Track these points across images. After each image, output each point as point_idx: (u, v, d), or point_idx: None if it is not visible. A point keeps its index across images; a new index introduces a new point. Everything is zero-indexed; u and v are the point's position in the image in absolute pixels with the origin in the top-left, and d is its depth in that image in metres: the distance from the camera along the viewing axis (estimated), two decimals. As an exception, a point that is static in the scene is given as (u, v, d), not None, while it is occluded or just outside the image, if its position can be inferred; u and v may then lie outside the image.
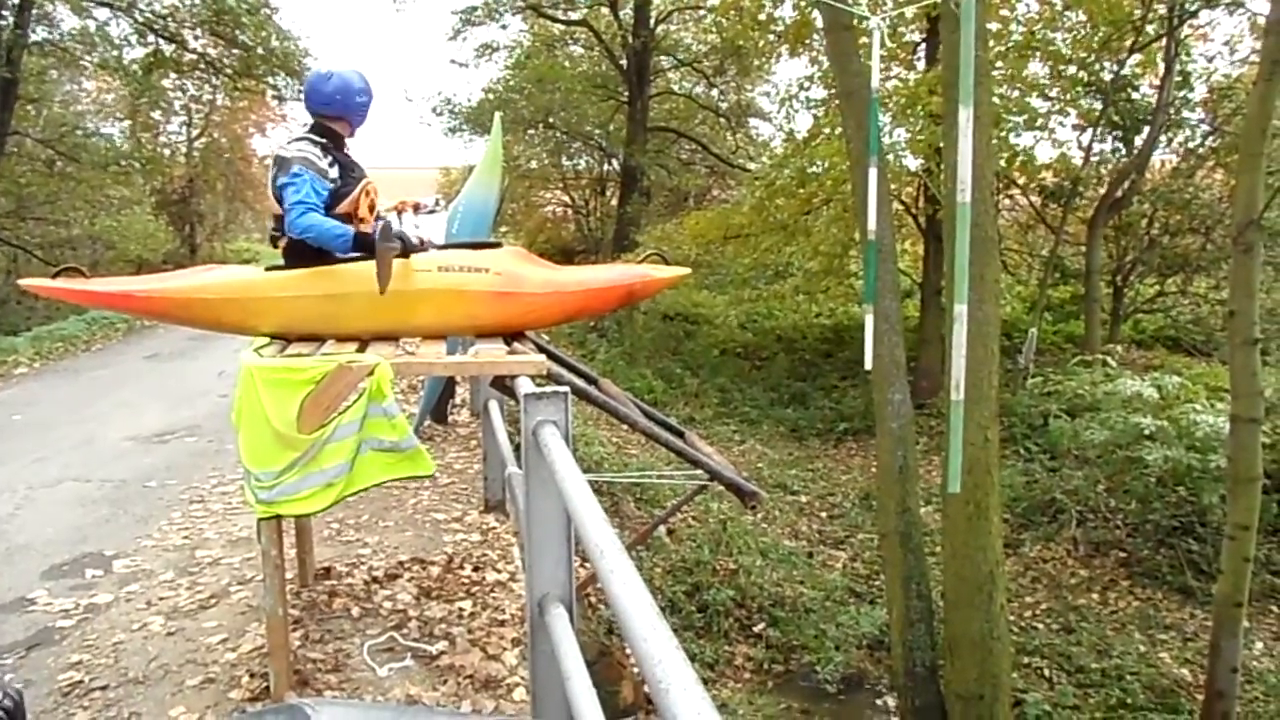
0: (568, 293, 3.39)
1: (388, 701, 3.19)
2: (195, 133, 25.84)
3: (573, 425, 2.33)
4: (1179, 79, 14.00)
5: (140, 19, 16.11)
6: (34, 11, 14.44)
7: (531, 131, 21.80)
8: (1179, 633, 8.53)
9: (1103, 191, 14.83)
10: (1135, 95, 14.64)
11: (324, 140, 3.26)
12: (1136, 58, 13.85)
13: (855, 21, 7.37)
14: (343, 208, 3.23)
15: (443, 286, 3.15)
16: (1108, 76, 13.99)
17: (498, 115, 6.91)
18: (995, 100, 11.24)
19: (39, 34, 15.24)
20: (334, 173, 3.21)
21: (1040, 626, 8.69)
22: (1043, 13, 13.42)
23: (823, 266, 15.44)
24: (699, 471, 4.08)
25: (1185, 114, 14.74)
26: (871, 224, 4.77)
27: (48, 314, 14.42)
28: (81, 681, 3.32)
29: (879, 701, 7.97)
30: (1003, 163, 12.64)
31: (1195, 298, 16.03)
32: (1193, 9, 13.19)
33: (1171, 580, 9.21)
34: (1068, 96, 13.95)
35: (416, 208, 3.91)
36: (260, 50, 16.86)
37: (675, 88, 23.58)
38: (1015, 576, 9.29)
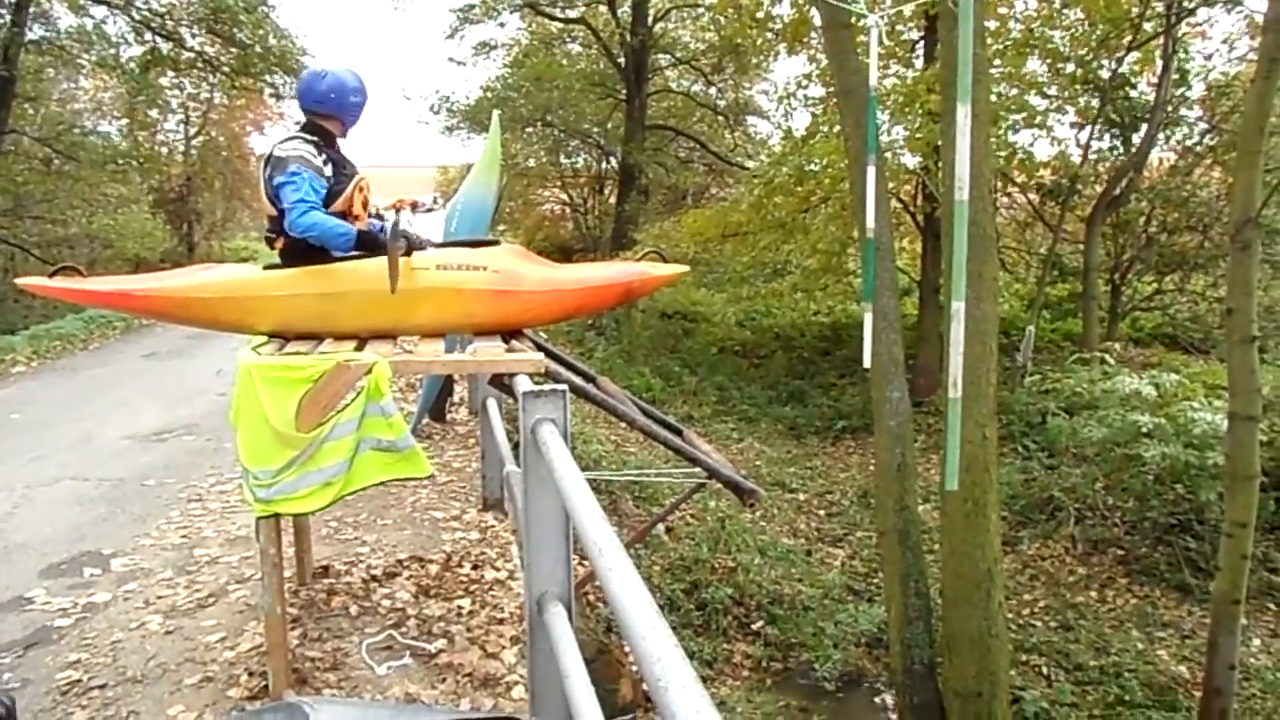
0: (566, 291, 3.39)
1: (386, 700, 3.19)
2: (193, 131, 25.80)
3: (571, 423, 2.32)
4: (1177, 77, 14.02)
5: (137, 17, 16.08)
6: (31, 9, 14.41)
7: (529, 130, 21.78)
8: (1177, 630, 8.55)
9: (1101, 189, 14.85)
10: (1133, 93, 14.66)
11: (316, 138, 3.25)
12: (1134, 55, 13.85)
13: (853, 19, 7.37)
14: (337, 205, 3.22)
15: (441, 285, 3.15)
16: (1106, 74, 14.00)
17: (496, 113, 6.90)
18: (993, 98, 11.24)
19: (36, 32, 15.21)
20: (328, 170, 3.20)
21: (1038, 624, 8.70)
22: (1041, 10, 13.42)
23: (821, 264, 15.45)
24: (697, 469, 4.08)
25: (1183, 112, 14.77)
26: (870, 222, 4.77)
27: (45, 313, 14.41)
28: (80, 680, 3.32)
29: (877, 699, 7.99)
30: (1001, 160, 12.65)
31: (1193, 295, 16.06)
32: (1191, 7, 13.21)
33: (1169, 578, 9.22)
34: (1066, 94, 13.95)
35: (414, 206, 3.90)
36: (258, 48, 16.82)
37: (673, 86, 23.57)
38: (1013, 574, 9.30)
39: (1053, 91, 13.90)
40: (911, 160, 13.28)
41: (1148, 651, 8.17)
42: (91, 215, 18.75)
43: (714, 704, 1.04)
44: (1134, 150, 14.55)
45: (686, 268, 4.06)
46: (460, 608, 3.96)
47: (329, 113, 3.31)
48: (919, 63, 14.24)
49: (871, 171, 4.97)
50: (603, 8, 20.83)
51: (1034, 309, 15.11)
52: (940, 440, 7.71)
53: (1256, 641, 8.32)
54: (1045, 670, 8.00)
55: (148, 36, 16.72)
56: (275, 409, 2.79)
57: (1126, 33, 13.19)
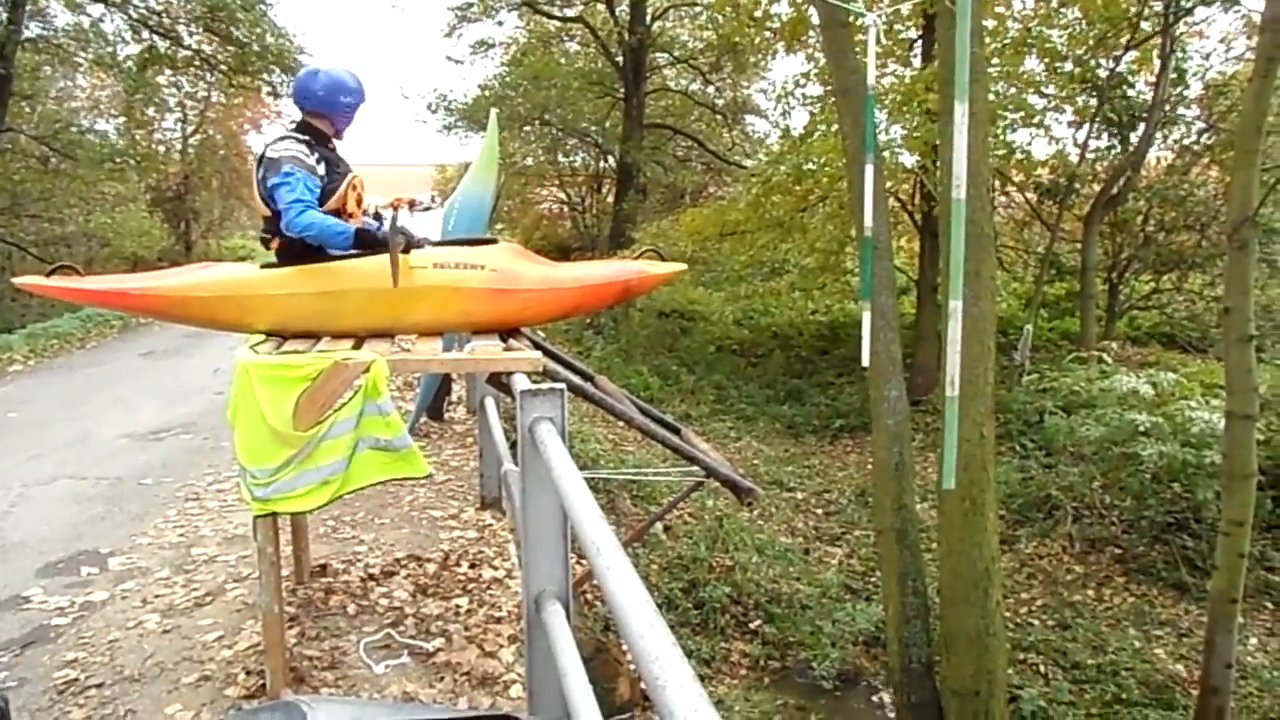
0: (564, 289, 3.38)
1: (384, 699, 3.19)
2: (190, 129, 25.79)
3: (569, 422, 2.32)
4: (1174, 76, 14.04)
5: (135, 15, 16.08)
6: (28, 7, 14.39)
7: (527, 128, 21.75)
8: (1174, 628, 8.56)
9: (1098, 188, 14.87)
10: (1131, 92, 14.68)
11: (308, 137, 3.24)
12: (1132, 54, 13.87)
13: (851, 18, 7.37)
14: (330, 204, 3.22)
15: (438, 283, 3.14)
16: (1103, 73, 14.01)
17: (493, 112, 6.89)
18: (991, 97, 11.25)
19: (33, 30, 15.19)
20: (321, 169, 3.20)
21: (1036, 623, 8.71)
22: (1039, 9, 13.43)
23: (819, 263, 15.45)
24: (695, 468, 4.08)
25: (1181, 111, 14.79)
26: (868, 220, 4.77)
27: (42, 311, 14.39)
28: (77, 679, 3.32)
29: (875, 698, 7.99)
30: (999, 159, 12.66)
31: (1190, 294, 16.08)
32: (1188, 6, 13.22)
33: (1166, 576, 9.24)
34: (1063, 93, 13.97)
35: (412, 204, 3.90)
36: (255, 47, 16.82)
37: (671, 84, 23.56)
38: (1011, 573, 9.31)
39: (1050, 90, 13.92)
40: (909, 159, 13.29)
41: (1145, 650, 8.18)
42: (89, 214, 18.75)
43: (711, 702, 1.04)
44: (1132, 149, 14.57)
45: (684, 266, 4.06)
46: (458, 606, 3.96)
47: (320, 112, 3.30)
48: (917, 62, 14.25)
49: (869, 170, 4.98)
50: (601, 6, 20.82)
51: (1032, 308, 15.13)
52: (938, 439, 7.73)
53: (1253, 640, 8.33)
54: (1043, 669, 8.01)
55: (145, 34, 16.72)
56: (273, 407, 2.79)
57: (1124, 32, 13.20)
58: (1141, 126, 14.25)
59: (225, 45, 17.40)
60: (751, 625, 8.58)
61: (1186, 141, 14.97)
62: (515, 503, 3.57)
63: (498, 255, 3.31)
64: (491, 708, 3.15)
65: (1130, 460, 9.39)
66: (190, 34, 17.52)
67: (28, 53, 15.36)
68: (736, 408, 15.25)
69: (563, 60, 22.12)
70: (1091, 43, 13.30)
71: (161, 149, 24.78)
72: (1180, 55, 14.14)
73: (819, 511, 11.58)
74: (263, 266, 3.26)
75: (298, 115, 3.36)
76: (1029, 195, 16.22)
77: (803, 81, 15.39)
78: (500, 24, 22.13)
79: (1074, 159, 14.90)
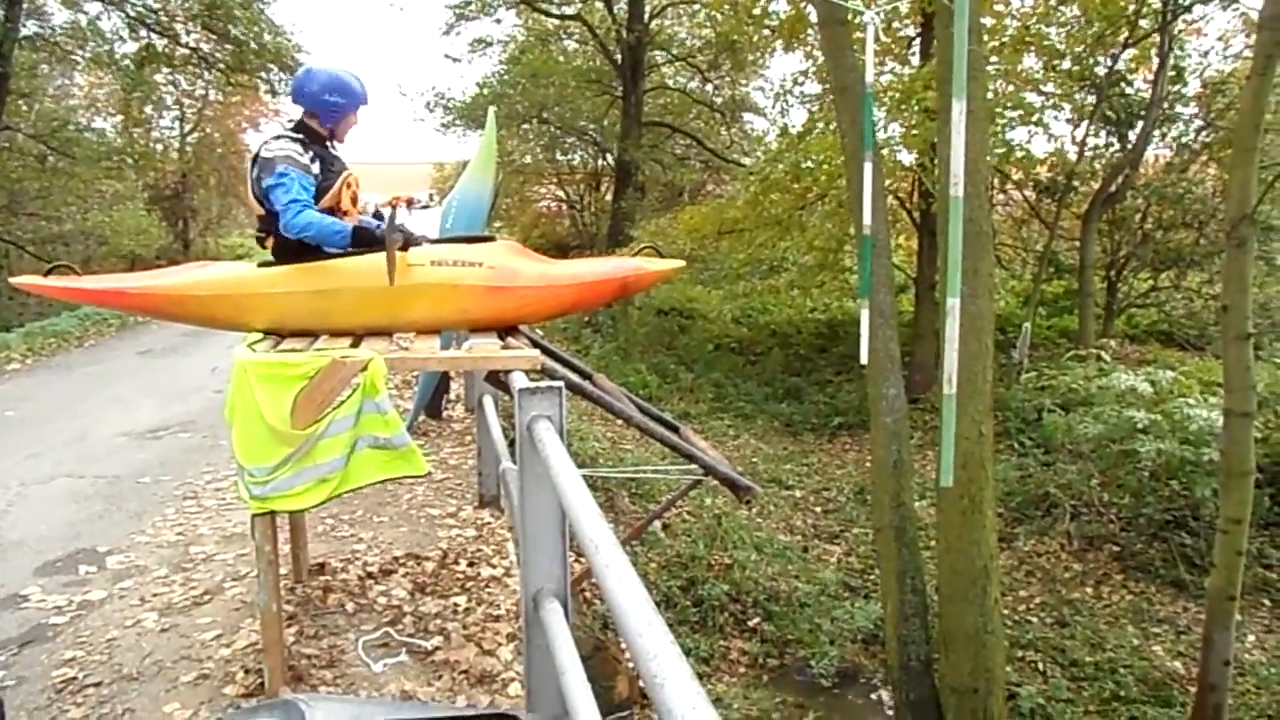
0: (561, 286, 3.38)
1: (382, 697, 3.19)
2: (188, 128, 25.76)
3: (567, 420, 2.32)
4: (1172, 74, 14.04)
5: (132, 13, 16.05)
6: (25, 5, 14.37)
7: (526, 126, 21.71)
8: (1172, 626, 8.57)
9: (1097, 186, 14.87)
10: (1129, 90, 14.68)
11: (302, 136, 3.24)
12: (1130, 52, 13.88)
13: (850, 16, 7.36)
14: (325, 202, 3.22)
15: (436, 281, 3.14)
16: (1102, 71, 14.01)
17: (491, 110, 6.87)
18: (990, 95, 11.24)
19: (30, 28, 15.17)
20: (316, 168, 3.19)
21: (1034, 620, 8.72)
22: (1037, 7, 13.43)
23: (817, 261, 15.46)
24: (694, 466, 4.08)
25: (1179, 109, 14.80)
26: (866, 219, 4.77)
27: (40, 310, 14.37)
28: (75, 678, 3.31)
29: (873, 696, 8.00)
30: (997, 157, 12.65)
31: (1188, 292, 16.10)
32: (1186, 4, 13.22)
33: (1164, 574, 9.25)
34: (1062, 91, 13.97)
35: (410, 203, 3.90)
36: (253, 45, 16.81)
37: (670, 82, 23.53)
38: (1009, 571, 9.32)
39: (1049, 88, 13.92)
40: (908, 157, 13.30)
41: (1143, 647, 8.19)
42: (86, 212, 18.73)
43: (710, 700, 1.04)
44: (1130, 147, 14.58)
45: (682, 262, 4.05)
46: (456, 605, 3.96)
47: (313, 110, 3.30)
48: (915, 60, 14.25)
49: (868, 168, 4.97)
50: (599, 4, 20.78)
51: (1030, 306, 15.14)
52: (936, 437, 7.73)
53: (1251, 637, 8.35)
54: (1041, 666, 8.02)
55: (142, 32, 16.69)
56: (271, 406, 2.78)
57: (1123, 29, 13.21)
58: (1140, 124, 14.25)
59: (223, 43, 17.39)
60: (750, 623, 8.59)
61: (1185, 139, 14.99)
62: (513, 501, 3.57)
63: (495, 253, 3.30)
64: (490, 706, 3.15)
65: (1128, 458, 9.40)
66: (188, 32, 17.51)
67: (25, 50, 15.33)
68: (735, 406, 15.25)
69: (561, 58, 22.08)
70: (1090, 40, 13.30)
71: (159, 147, 24.79)
72: (1178, 53, 14.15)
73: (817, 509, 11.59)
74: (260, 265, 3.26)
75: (296, 114, 3.36)
76: (1027, 193, 16.24)
77: (801, 79, 15.41)
78: (498, 22, 22.13)
79: (1072, 157, 14.91)
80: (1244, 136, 6.48)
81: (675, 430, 4.31)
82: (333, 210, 3.25)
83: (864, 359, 5.51)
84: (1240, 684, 7.57)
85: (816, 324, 18.60)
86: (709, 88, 23.34)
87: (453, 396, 8.01)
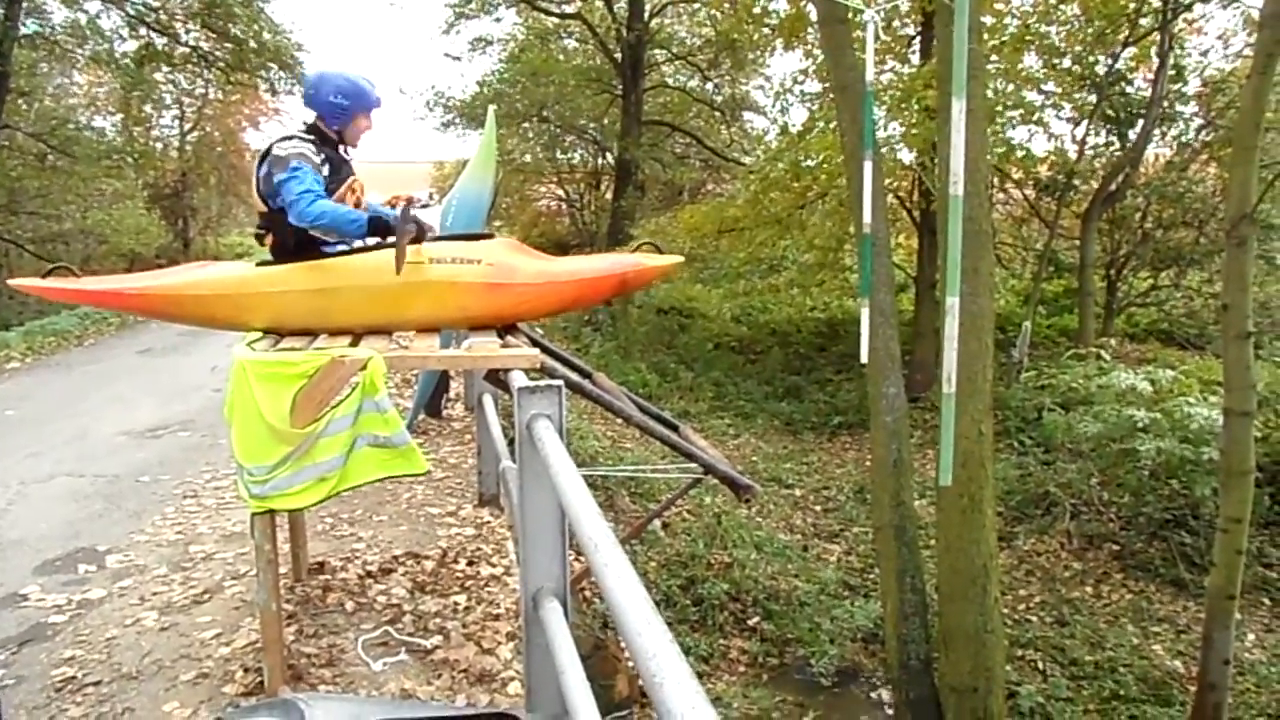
0: (560, 283, 3.38)
1: (382, 696, 3.19)
2: (188, 126, 25.75)
3: (567, 419, 2.32)
4: (1173, 72, 14.04)
5: (131, 11, 16.04)
6: (25, 3, 14.35)
7: (525, 125, 21.70)
8: (1171, 625, 8.58)
9: (1097, 185, 14.87)
10: (1129, 89, 14.68)
11: (314, 138, 3.25)
12: (1131, 51, 13.87)
13: (850, 15, 7.36)
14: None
15: (434, 278, 3.14)
16: (1102, 70, 14.01)
17: (491, 109, 6.86)
18: (990, 94, 11.24)
19: (30, 26, 15.15)
20: (325, 170, 3.20)
21: (1034, 619, 8.72)
22: (1037, 6, 13.43)
23: (817, 260, 15.46)
24: (693, 465, 4.08)
25: (1179, 107, 14.80)
26: (866, 217, 4.77)
27: (40, 309, 14.36)
28: (74, 677, 3.31)
29: (873, 694, 8.00)
30: (997, 156, 12.65)
31: (1188, 291, 16.09)
32: (1187, 2, 13.21)
33: (1164, 573, 9.25)
34: (1062, 90, 13.97)
35: (410, 202, 3.89)
36: (252, 43, 16.81)
37: (669, 81, 23.50)
38: (1009, 570, 9.32)
39: (1049, 87, 13.92)
40: (908, 156, 13.30)
41: (1143, 646, 8.19)
42: (86, 211, 18.72)
43: (709, 700, 1.04)
44: (1130, 146, 14.57)
45: (680, 258, 4.05)
46: (456, 604, 3.96)
47: (320, 112, 3.31)
48: (915, 58, 14.24)
49: (868, 167, 4.97)
50: (599, 3, 20.77)
51: (1030, 305, 15.14)
52: (936, 436, 7.71)
53: (1251, 636, 8.35)
54: (1041, 665, 8.02)
55: (142, 31, 16.69)
56: (270, 405, 2.78)
57: (1123, 28, 13.21)
58: (1140, 123, 14.25)
59: (222, 42, 17.38)
60: (750, 622, 8.59)
61: (1185, 138, 14.98)
62: (513, 500, 3.57)
63: (494, 250, 3.30)
64: (489, 705, 3.15)
65: (1128, 457, 9.40)
66: (187, 31, 17.51)
67: (25, 49, 15.32)
68: (735, 405, 15.25)
69: (561, 57, 22.06)
70: (1090, 39, 13.30)
71: (159, 146, 24.78)
72: (1179, 52, 14.15)
73: (817, 508, 11.59)
74: (258, 264, 3.26)
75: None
76: (1027, 192, 16.23)
77: (801, 78, 15.39)
78: (498, 20, 22.10)
79: (1072, 155, 14.91)
80: (1244, 135, 6.48)
81: (675, 429, 4.31)
82: None
83: (864, 358, 5.52)
84: (1240, 683, 7.57)
85: (816, 323, 18.60)
86: (709, 86, 23.31)
87: (452, 395, 8.01)
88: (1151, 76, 14.13)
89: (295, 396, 2.78)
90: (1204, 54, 14.71)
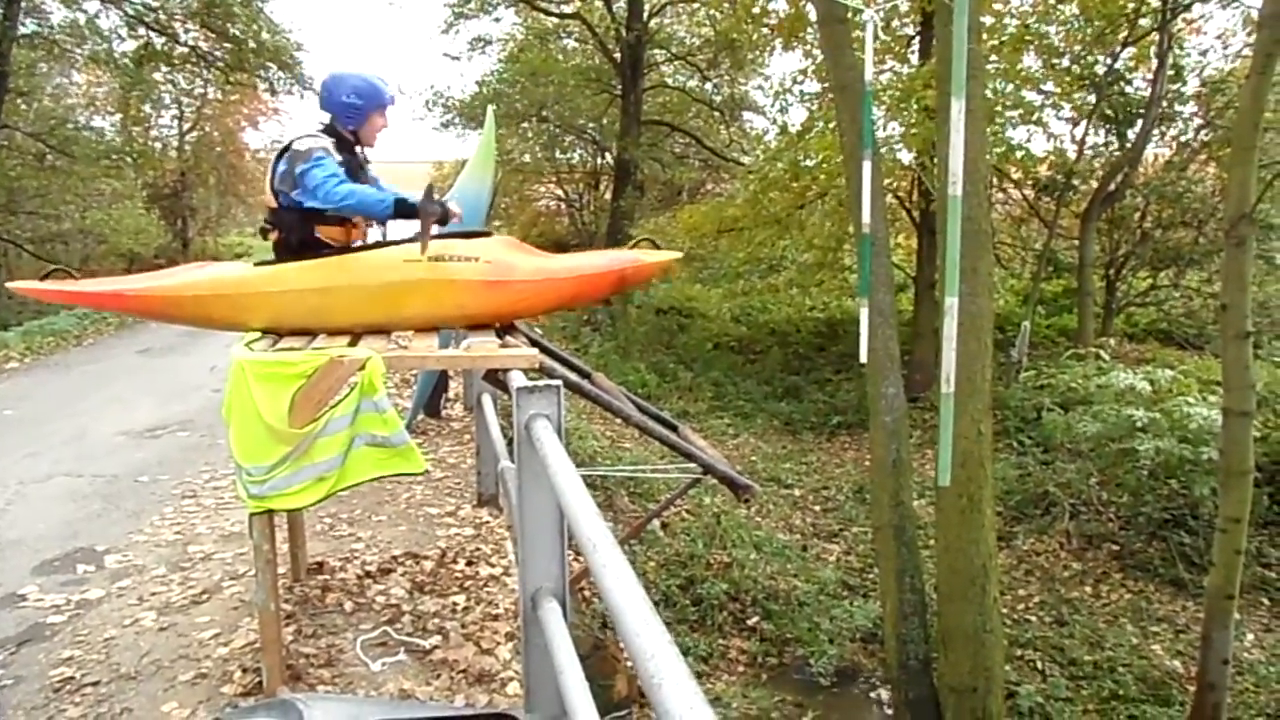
0: (559, 280, 3.38)
1: (380, 696, 3.19)
2: (187, 126, 25.73)
3: (566, 419, 2.32)
4: (1172, 72, 14.04)
5: (131, 11, 16.04)
6: (23, 3, 14.35)
7: (524, 125, 21.69)
8: (1170, 625, 8.58)
9: (1096, 185, 14.87)
10: (1128, 89, 14.69)
11: (332, 139, 3.26)
12: (1130, 51, 13.88)
13: (849, 14, 7.35)
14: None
15: (432, 276, 3.13)
16: (1101, 70, 14.01)
17: (490, 109, 6.87)
18: (989, 94, 11.24)
19: (29, 26, 15.14)
20: (343, 171, 3.21)
21: (1033, 619, 8.72)
22: (1036, 6, 13.43)
23: (817, 260, 15.46)
24: (693, 465, 4.07)
25: (1178, 107, 14.80)
26: (866, 217, 4.77)
27: (39, 309, 14.35)
28: (73, 677, 3.31)
29: (872, 694, 8.00)
30: (996, 156, 12.65)
31: (1188, 291, 16.10)
32: (1186, 2, 13.21)
33: (1163, 573, 9.25)
34: (1061, 90, 13.97)
35: (432, 186, 3.88)
36: (251, 43, 16.81)
37: (669, 81, 23.50)
38: (1008, 570, 9.32)
39: (1048, 87, 13.92)
40: (907, 156, 13.29)
41: (1142, 646, 8.19)
42: (85, 211, 18.70)
43: (708, 700, 1.04)
44: (1129, 146, 14.57)
45: (679, 254, 4.05)
46: (455, 604, 3.96)
47: (332, 112, 3.32)
48: (915, 58, 14.24)
49: (867, 167, 4.97)
50: (598, 2, 20.76)
51: (1029, 304, 15.14)
52: (936, 435, 7.71)
53: (1250, 636, 8.35)
54: (1040, 665, 8.02)
55: (141, 31, 16.69)
56: (269, 405, 2.78)
57: (1122, 28, 13.21)
58: (1139, 123, 14.25)
59: (221, 42, 17.38)
60: (749, 622, 8.59)
61: (1184, 138, 14.99)
62: (512, 500, 3.56)
63: (492, 247, 3.30)
64: (488, 705, 3.15)
65: (1127, 456, 9.40)
66: (186, 30, 17.51)
67: (23, 49, 15.32)
68: (734, 405, 15.25)
69: (560, 57, 22.05)
70: (1089, 39, 13.30)
71: (158, 146, 24.77)
72: (1178, 51, 14.15)
73: (817, 508, 11.59)
74: (256, 264, 3.26)
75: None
76: (1026, 192, 16.23)
77: (800, 78, 15.37)
78: (498, 20, 22.09)
79: (1072, 155, 14.91)
80: (1243, 135, 6.48)
81: (674, 429, 4.31)
82: (343, 220, 3.28)
83: (863, 358, 5.52)
84: (1239, 683, 7.58)
85: (816, 323, 18.60)
86: (708, 86, 23.30)
87: (451, 395, 8.01)
88: (1150, 76, 14.13)
89: (294, 396, 2.78)
90: (1203, 54, 14.73)
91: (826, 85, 13.25)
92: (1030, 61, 13.54)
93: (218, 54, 18.08)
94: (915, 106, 11.64)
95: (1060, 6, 13.09)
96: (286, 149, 3.21)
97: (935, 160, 8.87)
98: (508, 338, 3.22)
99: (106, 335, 12.93)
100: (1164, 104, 14.21)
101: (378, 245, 3.30)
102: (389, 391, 3.00)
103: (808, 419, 14.60)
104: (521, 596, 2.34)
